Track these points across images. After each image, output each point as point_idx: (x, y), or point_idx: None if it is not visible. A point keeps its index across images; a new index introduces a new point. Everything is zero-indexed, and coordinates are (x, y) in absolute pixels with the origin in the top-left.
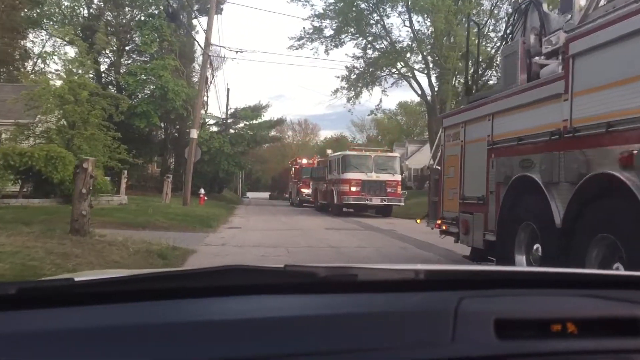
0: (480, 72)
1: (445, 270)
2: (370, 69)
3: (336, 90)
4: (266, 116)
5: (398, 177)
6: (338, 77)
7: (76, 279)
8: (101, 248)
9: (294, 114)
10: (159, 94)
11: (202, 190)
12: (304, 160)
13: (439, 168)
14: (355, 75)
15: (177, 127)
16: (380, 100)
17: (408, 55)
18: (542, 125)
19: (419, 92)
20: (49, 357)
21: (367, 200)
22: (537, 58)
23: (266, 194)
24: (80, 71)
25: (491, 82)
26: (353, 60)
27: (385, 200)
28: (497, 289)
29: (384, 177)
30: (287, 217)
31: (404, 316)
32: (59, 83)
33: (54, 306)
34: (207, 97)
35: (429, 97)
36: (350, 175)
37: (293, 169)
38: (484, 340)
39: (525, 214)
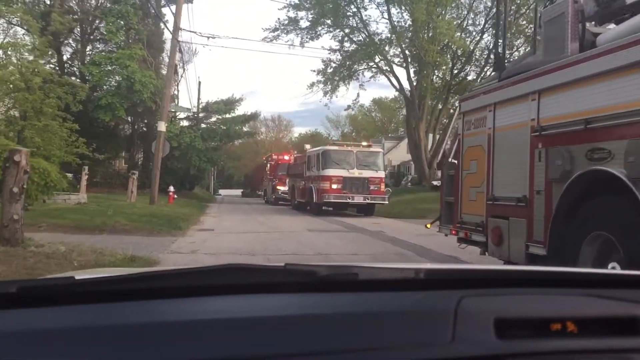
0: (460, 68)
1: (446, 270)
2: (348, 63)
3: (312, 85)
4: (239, 110)
5: (381, 174)
6: (314, 70)
7: (77, 277)
8: (34, 263)
9: (266, 110)
10: (125, 85)
11: (171, 188)
12: (280, 156)
13: (455, 162)
14: (331, 69)
15: (146, 121)
16: (358, 95)
17: (386, 48)
18: (628, 102)
19: (397, 87)
20: (50, 356)
21: (349, 199)
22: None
23: (239, 191)
24: (31, 57)
25: (470, 78)
26: (330, 53)
27: (368, 199)
28: (497, 288)
29: (366, 173)
30: (264, 217)
31: (404, 315)
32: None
33: (54, 305)
34: (177, 89)
35: (407, 92)
36: (331, 172)
37: (268, 165)
38: (484, 339)
39: (596, 222)
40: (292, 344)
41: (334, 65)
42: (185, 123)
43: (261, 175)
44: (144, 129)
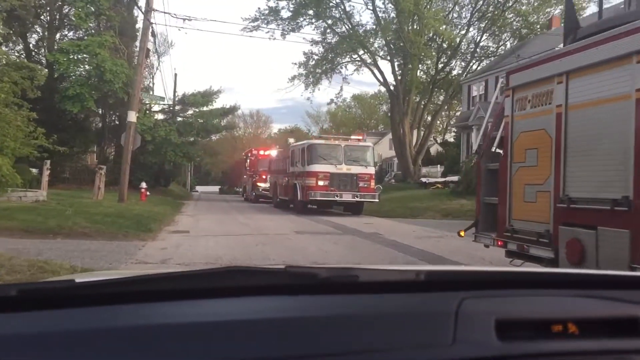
0: (445, 62)
1: (446, 271)
2: (330, 55)
3: (293, 78)
4: (218, 104)
5: (371, 170)
6: (295, 63)
7: (77, 280)
8: None
9: (244, 107)
10: (95, 74)
11: (143, 184)
12: (261, 151)
13: (500, 152)
14: (313, 62)
15: (117, 113)
16: (341, 89)
17: (371, 40)
18: None
19: (381, 81)
20: (51, 358)
21: (337, 197)
22: None
23: (216, 188)
24: None
25: (455, 72)
26: (312, 45)
27: (357, 197)
28: (498, 290)
29: (355, 169)
30: (245, 216)
31: (405, 317)
32: None
33: (54, 308)
34: (153, 82)
35: (391, 86)
36: (317, 168)
37: (248, 160)
38: (485, 340)
39: None
40: (293, 346)
41: (316, 57)
42: (160, 116)
43: (240, 172)
44: (116, 122)
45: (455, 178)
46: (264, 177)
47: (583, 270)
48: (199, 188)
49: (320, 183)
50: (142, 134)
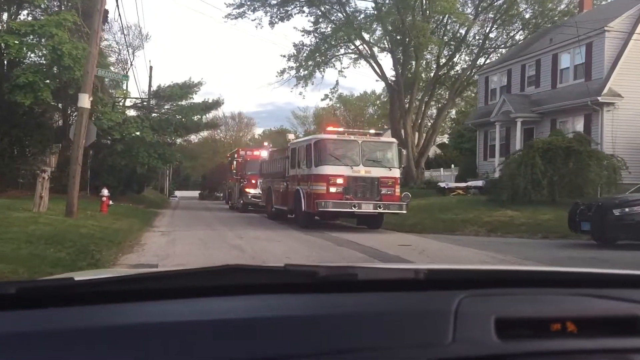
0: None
1: (446, 270)
2: (324, 47)
3: (283, 71)
4: (199, 97)
5: (396, 173)
6: (284, 56)
7: (76, 278)
8: None
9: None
10: (51, 58)
11: (104, 192)
12: (249, 152)
13: None
14: (305, 54)
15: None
16: (337, 83)
17: (370, 27)
18: None
19: (380, 74)
20: (49, 356)
21: (354, 207)
22: None
23: (196, 193)
24: None
25: (459, 68)
26: (303, 35)
27: (380, 207)
28: (497, 289)
29: (376, 172)
30: (235, 233)
31: (404, 316)
32: None
33: (54, 306)
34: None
35: (391, 81)
36: (329, 170)
37: (234, 162)
38: (484, 339)
39: None
40: (292, 345)
41: (307, 49)
42: (132, 113)
43: (222, 176)
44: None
45: (479, 183)
46: (253, 181)
47: (583, 270)
48: (178, 193)
49: (333, 190)
50: (110, 132)
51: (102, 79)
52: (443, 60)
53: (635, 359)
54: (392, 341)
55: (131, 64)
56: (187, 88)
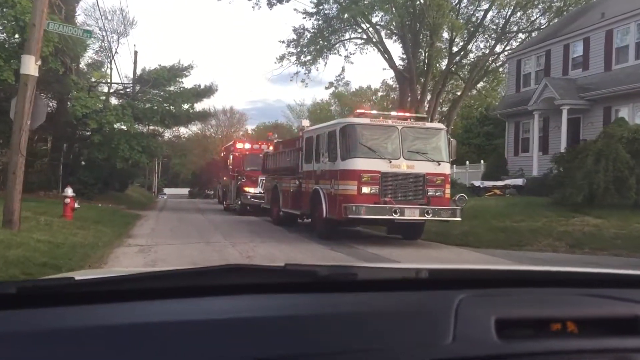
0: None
1: (446, 270)
2: (327, 31)
3: (282, 57)
4: (189, 83)
5: (446, 168)
6: (283, 42)
7: (76, 277)
8: None
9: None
10: (12, 30)
11: (68, 192)
12: (249, 145)
13: None
14: (307, 39)
15: (52, 93)
16: (343, 70)
17: (379, 5)
18: None
19: (388, 61)
20: (50, 356)
21: (395, 213)
22: None
23: (186, 190)
24: None
25: (473, 56)
26: (304, 17)
27: (429, 213)
28: (497, 289)
29: (422, 167)
30: (239, 248)
31: (404, 315)
32: None
33: (54, 305)
34: (110, 66)
35: (401, 67)
36: (361, 164)
37: (231, 157)
38: (484, 339)
39: None
40: (292, 344)
41: (309, 34)
42: (114, 101)
43: (213, 173)
44: (52, 104)
45: (518, 181)
46: (254, 179)
47: (582, 270)
48: (167, 191)
49: (366, 190)
50: (85, 120)
51: (77, 57)
52: (455, 49)
53: (636, 358)
54: (392, 341)
55: (115, 52)
56: (176, 71)
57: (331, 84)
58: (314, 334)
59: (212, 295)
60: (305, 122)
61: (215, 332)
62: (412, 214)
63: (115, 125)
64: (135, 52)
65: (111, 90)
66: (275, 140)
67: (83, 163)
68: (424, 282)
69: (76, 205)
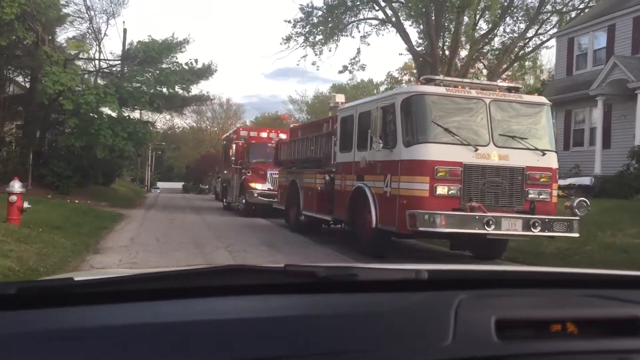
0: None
1: (446, 270)
2: (339, 10)
3: (288, 38)
4: (184, 60)
5: (553, 160)
6: (289, 21)
7: (76, 278)
8: None
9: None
10: None
11: (15, 186)
12: (256, 133)
13: None
14: (316, 18)
15: (22, 71)
16: (358, 51)
17: None
18: None
19: (408, 45)
20: (50, 356)
21: (489, 226)
22: None
23: (179, 185)
24: None
25: (499, 39)
26: None
27: (537, 226)
28: (497, 289)
29: (519, 158)
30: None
31: (404, 316)
32: None
33: (54, 306)
34: (99, 48)
35: (422, 51)
36: (434, 152)
37: (233, 146)
38: (484, 340)
39: None
40: (292, 345)
41: (319, 12)
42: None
43: (208, 167)
44: (26, 82)
45: (585, 180)
46: (261, 172)
47: (582, 270)
48: (160, 185)
49: (442, 190)
50: (59, 99)
51: (51, 26)
52: (477, 35)
53: (635, 359)
54: (392, 341)
55: (105, 35)
56: (169, 45)
57: (345, 67)
58: (313, 335)
59: (212, 295)
60: (340, 97)
61: (215, 332)
62: (511, 226)
63: (98, 109)
64: (125, 30)
65: (93, 68)
66: (292, 125)
67: (62, 152)
68: (424, 283)
69: (26, 205)
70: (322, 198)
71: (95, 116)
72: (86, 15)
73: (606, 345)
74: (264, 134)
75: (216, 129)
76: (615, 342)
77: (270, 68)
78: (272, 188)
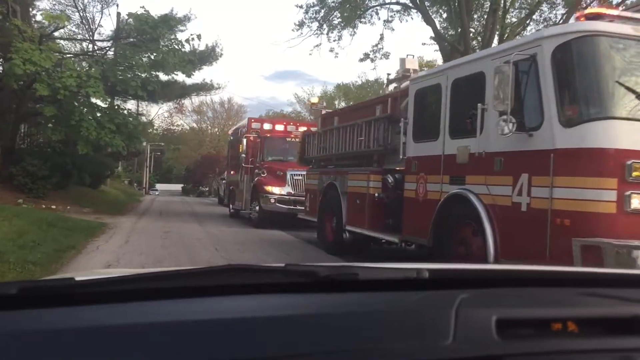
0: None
1: (446, 270)
2: None
3: (301, 24)
4: (186, 38)
5: None
6: (300, 6)
7: (77, 278)
8: None
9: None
10: None
11: None
12: (271, 125)
13: None
14: (331, 2)
15: None
16: (381, 37)
17: None
18: None
19: (434, 31)
20: (50, 357)
21: None
22: None
23: (179, 187)
24: None
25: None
26: None
27: None
28: (498, 288)
29: None
30: None
31: (404, 315)
32: None
33: (54, 306)
34: (92, 36)
35: (449, 35)
36: (623, 136)
37: (244, 141)
38: (485, 339)
39: None
40: (292, 345)
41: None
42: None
43: (208, 168)
44: None
45: None
46: (280, 173)
47: (583, 269)
48: (159, 187)
49: (638, 202)
50: (31, 82)
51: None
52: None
53: (636, 358)
54: (392, 341)
55: (99, 25)
56: (167, 20)
57: (366, 55)
58: (313, 334)
59: (212, 295)
60: (412, 63)
61: (216, 332)
62: None
63: (80, 96)
64: (118, 14)
65: (79, 52)
66: (324, 111)
67: (37, 149)
68: (425, 282)
69: None
70: (379, 209)
71: (77, 104)
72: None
73: (607, 343)
74: (279, 127)
75: (217, 129)
76: (616, 341)
77: (270, 70)
78: (292, 192)
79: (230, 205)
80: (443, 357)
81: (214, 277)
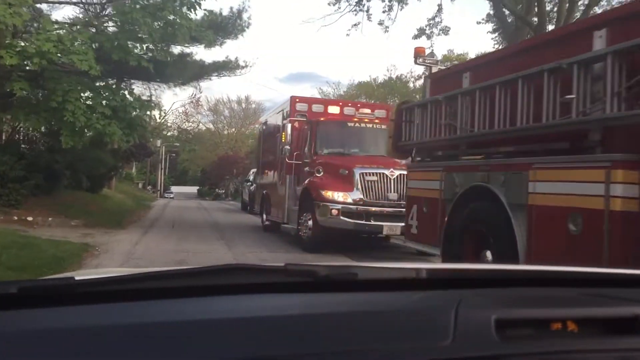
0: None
1: (446, 269)
2: None
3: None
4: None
5: None
6: None
7: (77, 277)
8: None
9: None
10: None
11: None
12: (320, 107)
13: None
14: None
15: None
16: (439, 9)
17: None
18: None
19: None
20: (50, 356)
21: None
22: None
23: (194, 189)
24: None
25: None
26: None
27: None
28: (497, 288)
29: None
30: None
31: (404, 315)
32: None
33: (54, 305)
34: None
35: (517, 13)
36: None
37: (288, 128)
38: (484, 339)
39: None
40: (292, 344)
41: None
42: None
43: (225, 170)
44: None
45: None
46: (345, 172)
47: (583, 269)
48: (174, 189)
49: None
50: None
51: None
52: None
53: (636, 358)
54: (391, 341)
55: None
56: None
57: (421, 30)
58: (313, 334)
59: (212, 295)
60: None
61: (215, 332)
62: None
63: (49, 49)
64: None
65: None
66: (435, 67)
67: (8, 142)
68: (424, 282)
69: None
70: (630, 240)
71: (56, 77)
72: None
73: (607, 343)
74: (333, 109)
75: (234, 129)
76: (616, 341)
77: (284, 72)
78: (364, 199)
79: (264, 216)
80: (442, 357)
81: (214, 276)
